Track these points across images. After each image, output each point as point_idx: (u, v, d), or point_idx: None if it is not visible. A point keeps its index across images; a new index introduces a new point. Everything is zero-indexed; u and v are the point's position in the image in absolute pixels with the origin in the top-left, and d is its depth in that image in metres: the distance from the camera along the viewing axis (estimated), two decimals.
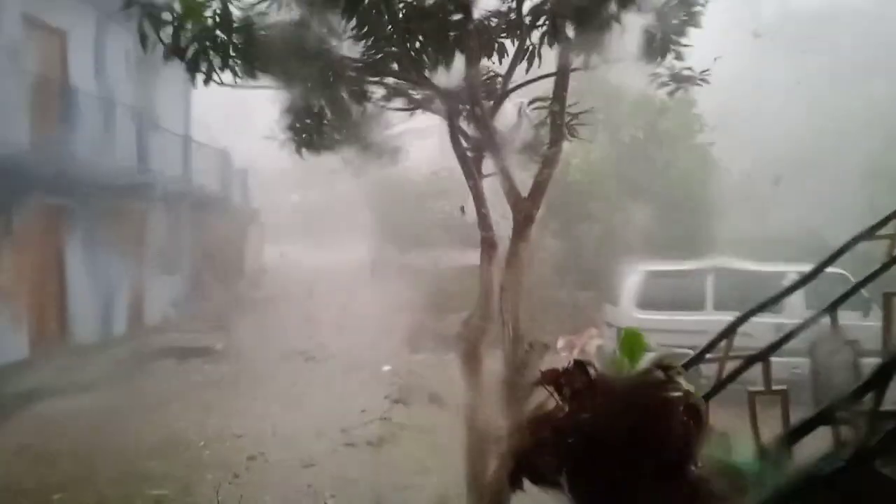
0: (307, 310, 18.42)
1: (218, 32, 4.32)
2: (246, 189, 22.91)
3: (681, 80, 5.42)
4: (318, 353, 15.15)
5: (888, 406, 2.81)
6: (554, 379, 2.27)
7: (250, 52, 4.49)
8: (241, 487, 7.66)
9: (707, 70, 5.58)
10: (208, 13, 4.27)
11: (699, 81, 5.51)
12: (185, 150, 18.67)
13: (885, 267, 3.82)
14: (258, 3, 4.48)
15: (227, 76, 4.69)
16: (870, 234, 3.91)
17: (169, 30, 4.24)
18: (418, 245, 19.67)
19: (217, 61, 4.42)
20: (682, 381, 2.22)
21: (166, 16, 4.19)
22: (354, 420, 10.13)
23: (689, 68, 5.46)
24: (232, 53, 4.45)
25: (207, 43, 4.32)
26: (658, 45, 5.19)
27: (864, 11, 23.13)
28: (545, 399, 2.58)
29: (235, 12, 4.52)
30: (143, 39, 4.20)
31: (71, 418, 10.26)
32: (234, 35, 4.40)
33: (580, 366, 2.24)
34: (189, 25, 4.27)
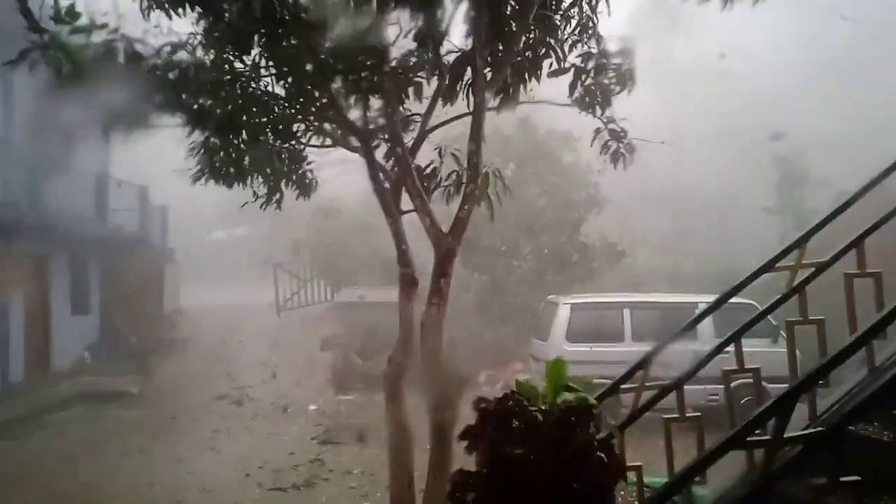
0: (228, 351, 17.94)
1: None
2: (164, 227, 22.22)
3: (618, 138, 5.64)
4: (241, 395, 14.71)
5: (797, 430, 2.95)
6: (482, 409, 2.31)
7: (160, 97, 4.45)
8: None
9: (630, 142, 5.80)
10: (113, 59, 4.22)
11: (629, 147, 5.73)
12: (99, 188, 18.01)
13: (785, 297, 4.01)
14: (167, 45, 4.44)
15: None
16: (770, 265, 4.11)
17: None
18: (347, 281, 19.49)
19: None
20: (598, 417, 2.28)
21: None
22: (281, 463, 9.86)
23: (623, 130, 5.68)
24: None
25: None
26: (589, 95, 5.42)
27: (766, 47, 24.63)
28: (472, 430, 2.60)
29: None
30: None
31: None
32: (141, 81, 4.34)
33: (506, 398, 2.28)
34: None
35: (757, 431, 2.66)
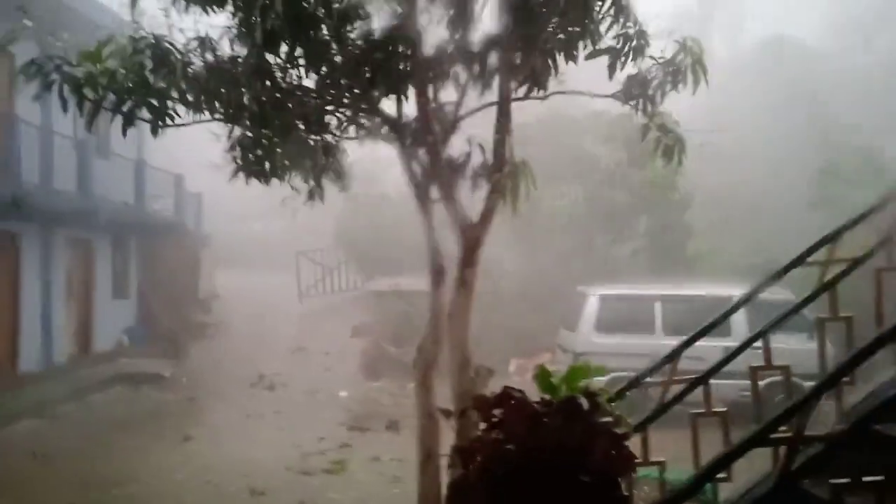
0: (260, 336, 18.21)
1: (152, 81, 4.34)
2: (199, 214, 22.59)
3: (665, 130, 5.41)
4: (272, 380, 14.93)
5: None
6: (482, 406, 2.30)
7: (192, 93, 4.52)
8: None
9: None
10: (141, 58, 4.31)
11: (681, 143, 5.50)
12: (137, 175, 18.37)
13: (816, 293, 3.94)
14: (195, 40, 4.52)
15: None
16: (800, 260, 4.04)
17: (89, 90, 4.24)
18: (379, 270, 19.61)
19: (153, 110, 4.44)
20: (608, 407, 2.26)
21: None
22: (311, 448, 10.01)
23: (675, 123, 5.44)
24: (173, 97, 4.47)
25: (143, 93, 4.34)
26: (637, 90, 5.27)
27: (804, 47, 24.27)
28: (482, 427, 2.61)
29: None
30: (65, 104, 4.22)
31: (19, 450, 9.96)
32: (172, 78, 4.41)
33: (505, 393, 2.27)
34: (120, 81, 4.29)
35: (782, 429, 2.63)
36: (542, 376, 2.32)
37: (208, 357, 17.07)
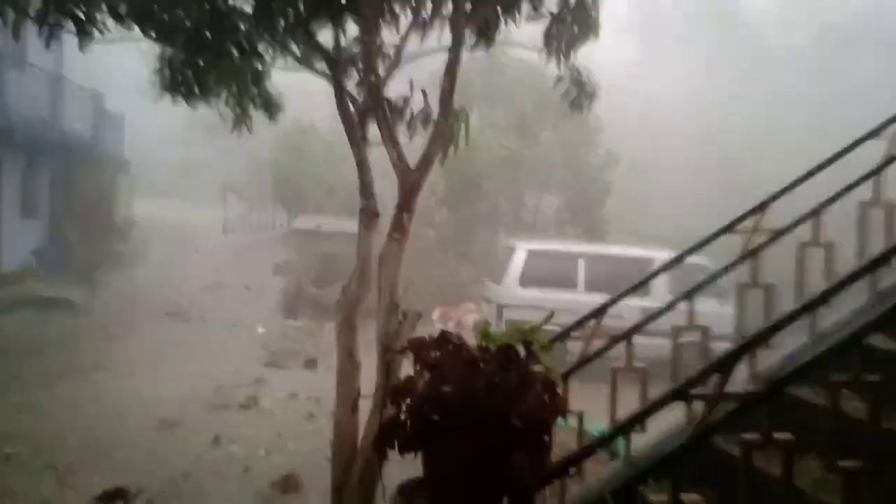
0: (178, 267, 17.74)
1: None
2: (120, 137, 21.53)
3: (579, 85, 5.49)
4: (188, 312, 14.61)
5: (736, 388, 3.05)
6: (419, 348, 2.32)
7: (123, 8, 4.24)
8: (97, 445, 7.35)
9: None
10: None
11: (590, 95, 5.56)
12: (53, 90, 17.29)
13: (739, 260, 4.10)
14: None
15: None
16: (729, 228, 4.18)
17: None
18: (305, 209, 19.34)
19: (79, 23, 4.14)
20: (542, 356, 2.31)
21: None
22: (225, 382, 9.89)
23: (583, 77, 5.50)
24: (102, 9, 4.19)
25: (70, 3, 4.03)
26: (558, 43, 5.27)
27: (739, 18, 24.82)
28: (413, 370, 2.62)
29: None
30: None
31: None
32: None
33: (443, 337, 2.29)
34: None
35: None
36: (482, 329, 2.36)
37: (123, 286, 16.53)
